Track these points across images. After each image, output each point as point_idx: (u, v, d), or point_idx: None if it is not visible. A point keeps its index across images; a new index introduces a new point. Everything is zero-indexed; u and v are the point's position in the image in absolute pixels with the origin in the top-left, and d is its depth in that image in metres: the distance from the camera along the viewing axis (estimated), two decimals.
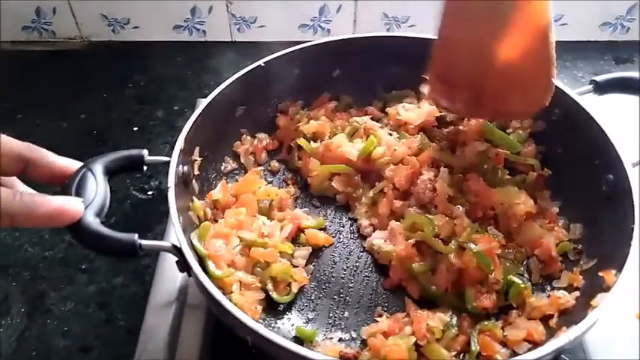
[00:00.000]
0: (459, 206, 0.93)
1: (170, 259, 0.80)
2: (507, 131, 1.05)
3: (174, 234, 0.77)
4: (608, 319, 0.90)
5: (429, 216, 0.92)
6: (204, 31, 1.62)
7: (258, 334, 0.67)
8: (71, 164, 0.77)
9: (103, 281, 1.06)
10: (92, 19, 1.59)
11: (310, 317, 0.90)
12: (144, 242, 0.73)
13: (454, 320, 0.83)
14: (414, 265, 0.88)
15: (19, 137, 0.73)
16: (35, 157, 0.73)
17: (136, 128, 1.39)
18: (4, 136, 0.70)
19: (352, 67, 1.14)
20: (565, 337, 0.68)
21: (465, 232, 0.88)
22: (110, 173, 0.79)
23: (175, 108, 1.44)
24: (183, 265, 0.75)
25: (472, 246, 0.86)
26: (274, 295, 0.89)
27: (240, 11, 1.57)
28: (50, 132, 1.37)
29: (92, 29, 1.62)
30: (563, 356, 0.79)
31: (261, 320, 0.86)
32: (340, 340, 0.87)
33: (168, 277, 0.97)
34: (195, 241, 0.85)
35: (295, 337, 0.86)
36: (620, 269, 0.74)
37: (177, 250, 0.75)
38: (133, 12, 1.58)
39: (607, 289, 0.75)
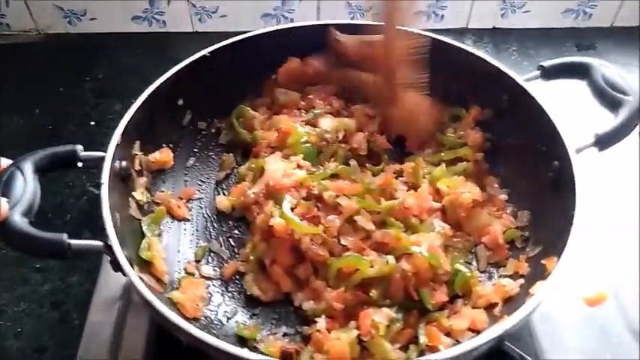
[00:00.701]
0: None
1: None
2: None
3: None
4: (554, 303, 0.93)
5: (354, 254, 0.87)
6: (164, 22, 1.59)
7: (189, 334, 0.65)
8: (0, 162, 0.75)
9: (57, 280, 1.03)
10: (47, 10, 1.54)
11: (256, 312, 0.89)
12: (74, 242, 0.71)
13: (400, 315, 0.83)
14: (371, 294, 0.84)
15: None
16: None
17: (93, 123, 1.35)
18: None
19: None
20: (500, 327, 0.68)
21: (399, 245, 0.87)
22: (41, 171, 0.77)
23: (133, 101, 1.41)
24: (116, 265, 0.73)
25: (417, 249, 0.85)
26: None
27: (201, 1, 1.54)
28: (3, 128, 1.33)
29: (48, 21, 1.57)
30: (507, 343, 0.79)
31: (203, 318, 0.85)
32: (285, 334, 0.86)
33: (114, 275, 0.95)
34: (144, 226, 0.87)
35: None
36: (560, 256, 0.74)
37: (109, 250, 0.73)
38: (90, 3, 1.54)
39: (547, 276, 0.74)
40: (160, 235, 0.94)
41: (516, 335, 0.84)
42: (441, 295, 0.85)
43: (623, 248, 1.03)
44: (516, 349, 0.79)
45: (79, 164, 0.82)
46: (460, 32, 1.61)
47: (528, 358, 0.79)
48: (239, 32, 1.11)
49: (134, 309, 0.91)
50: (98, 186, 1.17)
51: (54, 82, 1.46)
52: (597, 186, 1.13)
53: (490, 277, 0.92)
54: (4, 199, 0.70)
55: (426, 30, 1.09)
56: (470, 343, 0.66)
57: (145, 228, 0.92)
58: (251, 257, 0.91)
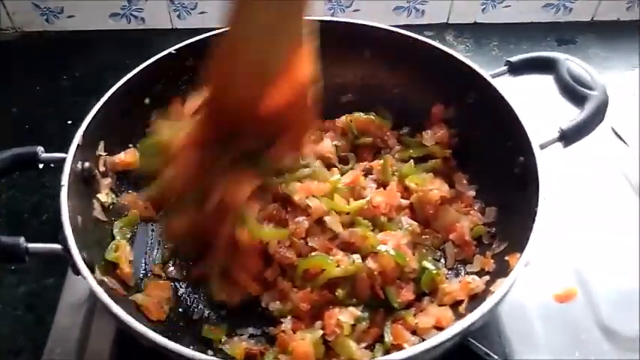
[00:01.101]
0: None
1: None
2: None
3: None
4: (524, 301, 0.93)
5: (321, 254, 0.87)
6: (142, 19, 1.58)
7: (148, 338, 0.65)
8: None
9: (32, 282, 1.03)
10: (24, 8, 1.53)
11: (222, 314, 0.89)
12: (32, 245, 0.70)
13: (366, 314, 0.82)
14: (337, 293, 0.84)
15: None
16: None
17: (70, 122, 1.34)
18: None
19: None
20: (460, 324, 0.67)
21: (366, 243, 0.87)
22: (1, 173, 0.76)
23: None
24: (76, 268, 0.72)
25: (383, 248, 0.85)
26: None
27: None
28: None
29: (24, 19, 1.56)
30: (473, 341, 0.80)
31: (167, 320, 0.85)
32: (251, 335, 0.86)
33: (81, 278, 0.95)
34: (115, 230, 0.88)
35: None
36: (522, 253, 0.74)
37: (68, 253, 0.72)
38: (67, 0, 1.53)
39: (508, 273, 0.74)
40: (130, 238, 0.94)
41: (484, 333, 0.85)
42: (408, 294, 0.85)
43: (593, 245, 1.03)
44: (482, 347, 0.79)
45: (40, 166, 0.81)
46: (441, 28, 1.60)
47: (494, 356, 0.80)
48: (219, 29, 1.10)
49: (100, 312, 0.91)
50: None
51: (31, 80, 1.45)
52: (566, 182, 1.13)
53: (457, 274, 0.92)
54: None
55: (405, 26, 1.09)
56: (430, 342, 0.65)
57: (115, 231, 0.92)
58: (215, 267, 0.89)
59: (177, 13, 1.56)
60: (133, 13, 1.56)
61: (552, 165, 0.85)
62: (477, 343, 0.80)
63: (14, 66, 1.50)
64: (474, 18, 1.61)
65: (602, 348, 0.88)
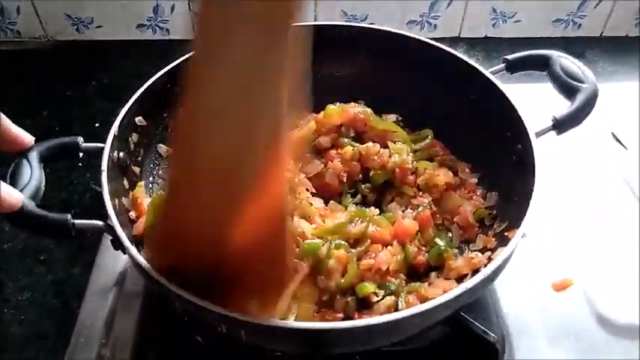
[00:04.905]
0: None
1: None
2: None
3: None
4: (522, 288, 0.99)
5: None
6: (167, 30, 1.65)
7: (189, 300, 0.67)
8: (25, 135, 0.83)
9: (60, 271, 1.08)
10: (56, 18, 1.61)
11: None
12: (77, 221, 0.76)
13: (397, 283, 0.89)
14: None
15: None
16: None
17: (97, 124, 1.40)
18: None
19: None
20: (459, 289, 0.71)
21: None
22: (46, 160, 0.83)
23: None
24: (117, 243, 0.78)
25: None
26: None
27: None
28: None
29: (57, 28, 1.64)
30: (472, 320, 0.85)
31: None
32: None
33: (107, 267, 1.02)
34: None
35: None
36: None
37: (109, 228, 0.78)
38: (97, 11, 1.60)
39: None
40: None
41: (483, 314, 0.91)
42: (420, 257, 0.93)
43: (591, 243, 1.08)
44: (480, 326, 0.84)
45: (80, 154, 0.87)
46: (453, 41, 1.66)
47: (492, 334, 0.84)
48: None
49: (127, 297, 0.97)
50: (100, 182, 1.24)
51: (62, 86, 1.51)
52: (568, 184, 1.19)
53: (462, 253, 0.97)
54: (17, 191, 0.76)
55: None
56: (433, 302, 0.69)
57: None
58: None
59: None
60: (159, 24, 1.63)
61: (550, 157, 0.90)
62: (476, 323, 0.85)
63: (46, 72, 1.57)
64: (485, 32, 1.66)
65: (596, 335, 0.93)
